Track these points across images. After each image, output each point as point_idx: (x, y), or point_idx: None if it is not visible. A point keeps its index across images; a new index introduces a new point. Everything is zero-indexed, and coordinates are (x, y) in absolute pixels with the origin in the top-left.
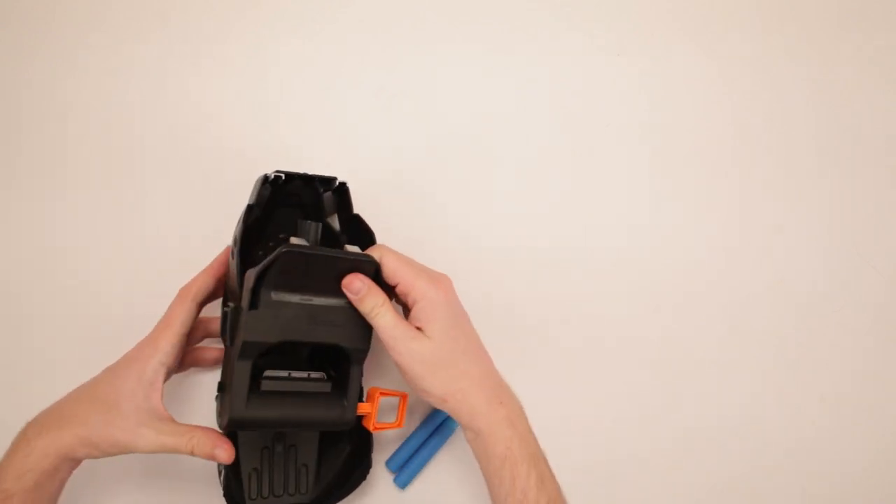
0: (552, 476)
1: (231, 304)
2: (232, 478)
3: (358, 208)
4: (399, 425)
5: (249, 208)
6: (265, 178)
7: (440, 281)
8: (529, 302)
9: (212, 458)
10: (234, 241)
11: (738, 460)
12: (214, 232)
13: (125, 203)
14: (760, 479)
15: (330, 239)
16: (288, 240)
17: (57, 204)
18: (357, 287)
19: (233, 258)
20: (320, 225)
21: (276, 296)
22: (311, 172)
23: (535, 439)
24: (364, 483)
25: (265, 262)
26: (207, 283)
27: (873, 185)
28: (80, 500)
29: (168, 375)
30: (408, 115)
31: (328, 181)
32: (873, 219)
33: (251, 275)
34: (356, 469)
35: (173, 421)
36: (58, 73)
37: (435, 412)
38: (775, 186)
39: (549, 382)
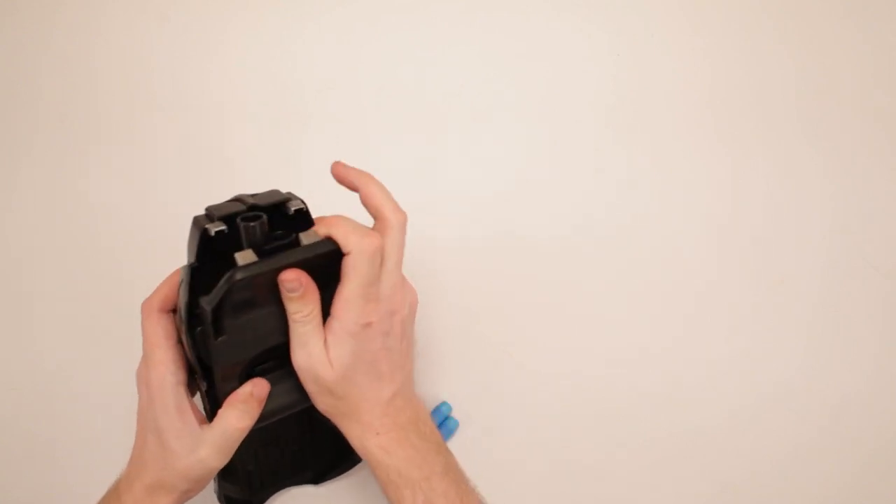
0: (450, 492)
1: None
2: (225, 482)
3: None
4: None
5: (192, 270)
6: (204, 234)
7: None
8: (520, 289)
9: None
10: (180, 316)
11: (735, 460)
12: None
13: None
14: (759, 479)
15: (278, 215)
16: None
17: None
18: (293, 286)
19: (183, 335)
20: (263, 219)
21: (241, 314)
22: (257, 201)
23: (425, 461)
24: (364, 483)
25: (216, 296)
26: (172, 291)
27: (874, 183)
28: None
29: (188, 385)
30: (402, 111)
31: (279, 207)
32: (873, 216)
33: (206, 308)
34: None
35: (211, 426)
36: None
37: (434, 412)
38: (772, 186)
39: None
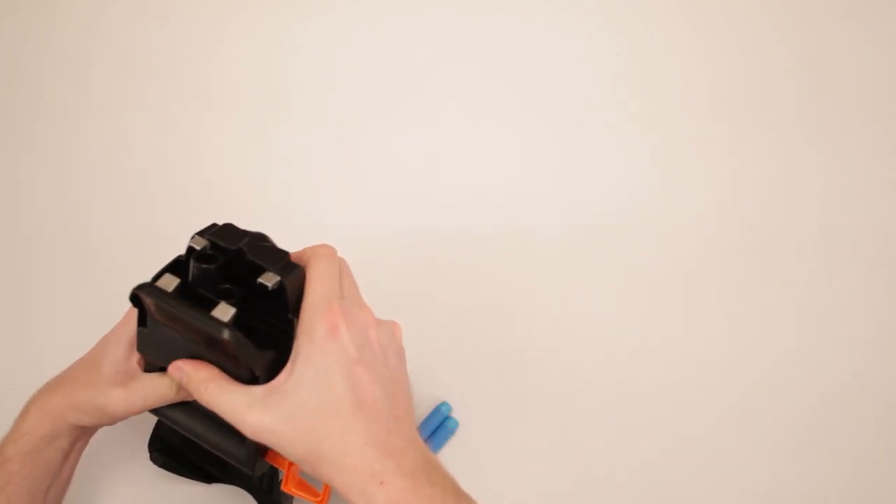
0: None
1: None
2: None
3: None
4: (321, 501)
5: (176, 260)
6: (191, 241)
7: (333, 330)
8: (520, 289)
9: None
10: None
11: (734, 458)
12: None
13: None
14: (757, 477)
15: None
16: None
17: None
18: (177, 377)
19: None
20: (212, 269)
21: (159, 324)
22: (250, 252)
23: None
24: None
25: (134, 293)
26: None
27: (874, 183)
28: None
29: None
30: (402, 111)
31: (256, 268)
32: (872, 216)
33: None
34: None
35: (141, 376)
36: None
37: (432, 414)
38: (772, 186)
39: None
